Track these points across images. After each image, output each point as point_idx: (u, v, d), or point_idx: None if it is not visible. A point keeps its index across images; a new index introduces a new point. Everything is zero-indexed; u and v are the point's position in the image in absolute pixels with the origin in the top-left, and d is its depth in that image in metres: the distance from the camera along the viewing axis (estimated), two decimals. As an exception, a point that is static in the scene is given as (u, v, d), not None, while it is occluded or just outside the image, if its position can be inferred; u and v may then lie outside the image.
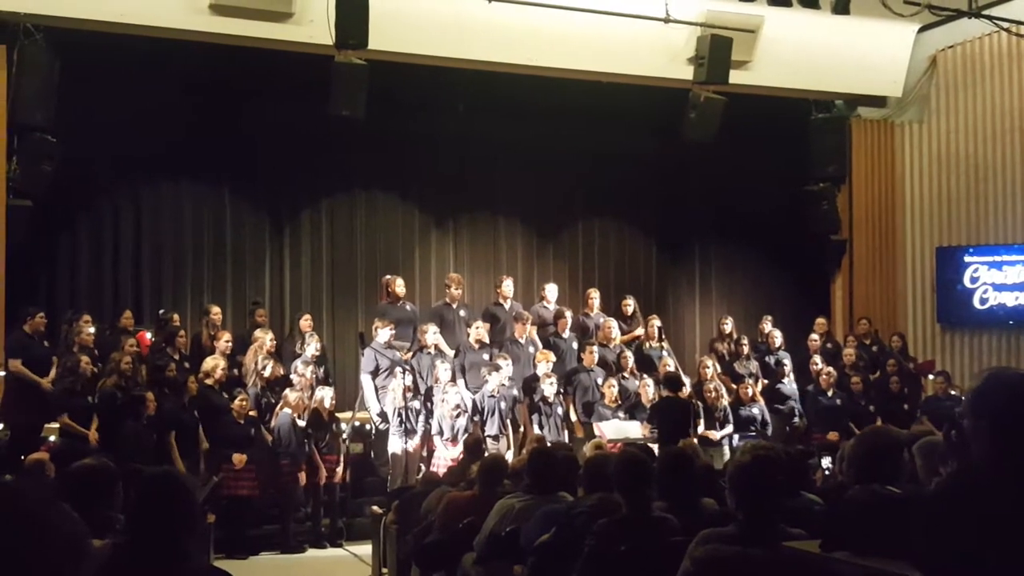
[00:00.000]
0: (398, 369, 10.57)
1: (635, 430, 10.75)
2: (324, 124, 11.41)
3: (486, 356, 11.17)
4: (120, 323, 10.83)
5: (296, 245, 12.73)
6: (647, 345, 12.26)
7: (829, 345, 13.14)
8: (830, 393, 11.99)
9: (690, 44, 11.95)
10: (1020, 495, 2.18)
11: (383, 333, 10.90)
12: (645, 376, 11.63)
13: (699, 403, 11.23)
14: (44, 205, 10.65)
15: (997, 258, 13.44)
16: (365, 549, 9.33)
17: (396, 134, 12.50)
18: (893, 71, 13.43)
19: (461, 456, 8.89)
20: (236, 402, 10.11)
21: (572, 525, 4.85)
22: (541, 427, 10.81)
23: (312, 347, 10.98)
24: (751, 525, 3.59)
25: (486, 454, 7.92)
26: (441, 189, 13.29)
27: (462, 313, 11.79)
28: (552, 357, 11.19)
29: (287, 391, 10.38)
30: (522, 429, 11.02)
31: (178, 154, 11.93)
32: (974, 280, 13.50)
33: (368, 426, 11.08)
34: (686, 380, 11.35)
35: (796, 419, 12.17)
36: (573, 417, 11.35)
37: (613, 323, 12.14)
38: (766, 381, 12.42)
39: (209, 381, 10.15)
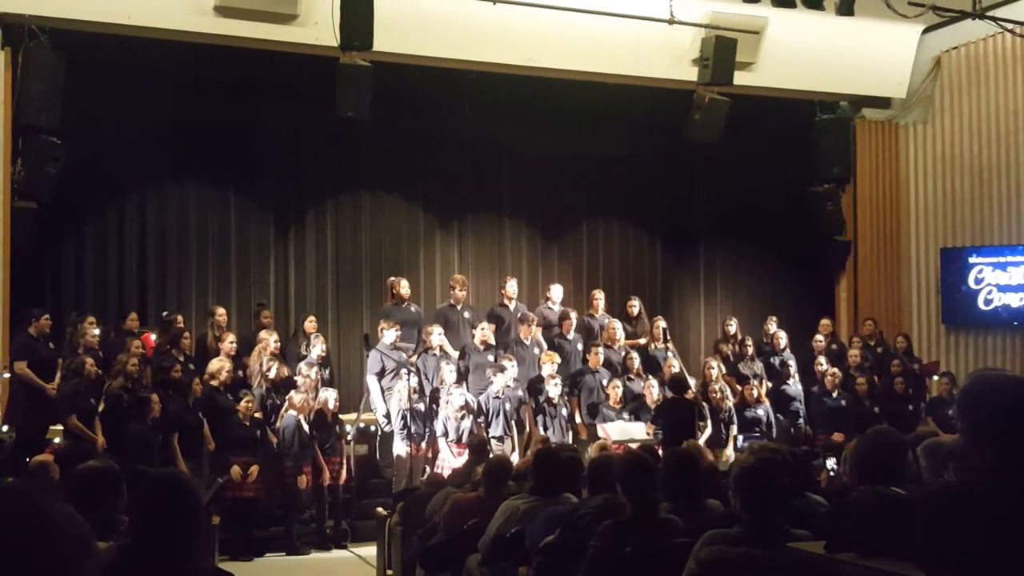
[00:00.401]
0: (403, 371, 10.57)
1: (640, 431, 10.74)
2: (329, 125, 11.45)
3: (491, 357, 11.16)
4: (125, 325, 10.84)
5: (301, 246, 12.73)
6: (652, 346, 12.24)
7: (834, 346, 13.11)
8: (835, 394, 11.98)
9: (694, 45, 11.95)
10: (1013, 495, 2.19)
11: (388, 335, 10.90)
12: (650, 377, 11.61)
13: (704, 404, 11.22)
14: (49, 207, 10.64)
15: (1001, 259, 13.42)
16: (370, 551, 9.30)
17: (401, 135, 12.52)
18: (897, 72, 13.44)
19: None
20: (242, 404, 10.10)
21: (577, 526, 4.86)
22: (546, 428, 10.83)
23: (317, 348, 10.98)
24: (756, 526, 3.60)
25: (491, 455, 7.93)
26: (446, 190, 13.30)
27: (467, 314, 11.79)
28: (557, 358, 11.19)
29: (292, 393, 10.38)
30: (527, 430, 11.02)
31: (183, 156, 11.95)
32: (978, 281, 13.47)
33: (373, 427, 11.08)
34: (691, 381, 11.34)
35: (801, 420, 12.16)
36: (578, 418, 11.34)
37: (617, 324, 12.11)
38: (771, 383, 12.41)
39: (214, 383, 10.16)
